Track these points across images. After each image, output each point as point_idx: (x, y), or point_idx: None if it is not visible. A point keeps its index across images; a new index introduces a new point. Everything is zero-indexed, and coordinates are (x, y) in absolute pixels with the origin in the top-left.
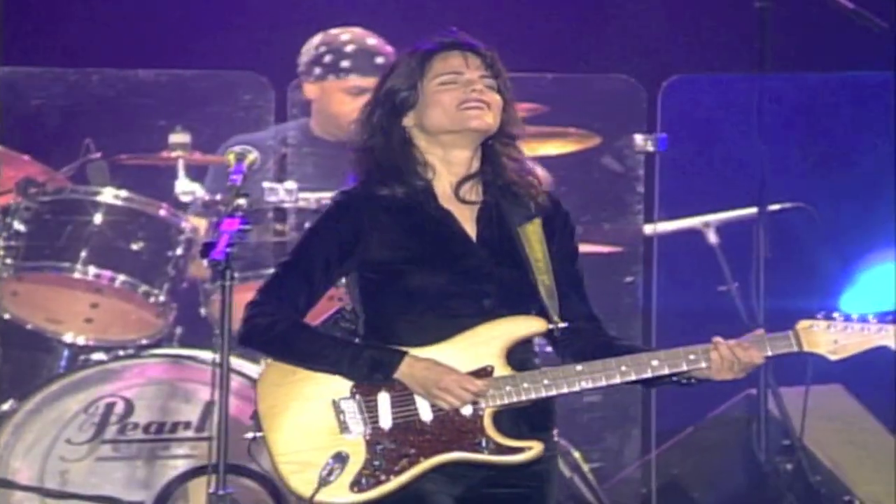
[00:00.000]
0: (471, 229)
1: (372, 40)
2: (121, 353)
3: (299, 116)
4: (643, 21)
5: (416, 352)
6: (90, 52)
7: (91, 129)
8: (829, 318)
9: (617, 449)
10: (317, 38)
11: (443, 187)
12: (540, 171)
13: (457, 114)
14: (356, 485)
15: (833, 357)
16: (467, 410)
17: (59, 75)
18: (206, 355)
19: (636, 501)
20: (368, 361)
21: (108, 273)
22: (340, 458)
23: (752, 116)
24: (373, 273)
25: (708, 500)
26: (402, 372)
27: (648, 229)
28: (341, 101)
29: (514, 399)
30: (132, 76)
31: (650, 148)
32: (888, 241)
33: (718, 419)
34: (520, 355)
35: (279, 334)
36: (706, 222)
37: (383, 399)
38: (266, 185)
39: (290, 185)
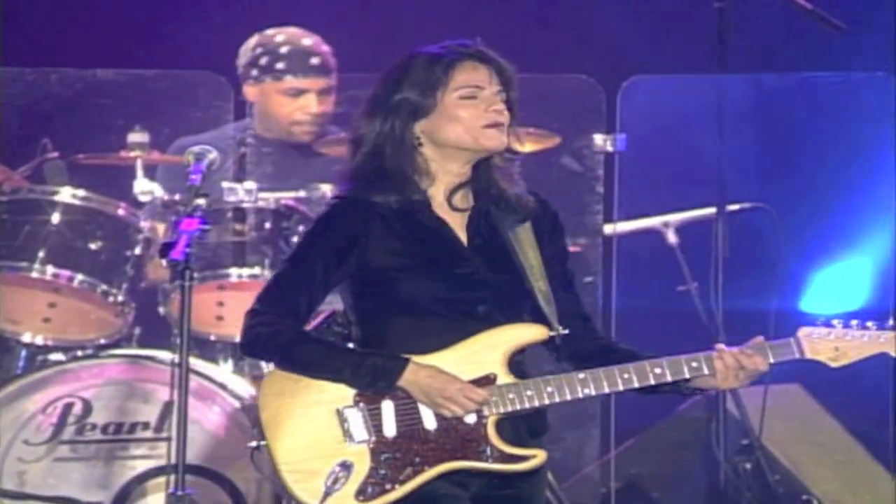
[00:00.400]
0: (463, 236)
1: (307, 40)
2: (79, 353)
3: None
4: (603, 21)
5: (417, 359)
6: (48, 52)
7: (49, 128)
8: (828, 325)
9: (576, 448)
10: (253, 40)
11: (437, 195)
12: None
13: (478, 132)
14: (361, 493)
15: (834, 364)
16: (471, 419)
17: (17, 75)
18: (165, 355)
19: (595, 501)
20: (371, 369)
21: (66, 273)
22: (345, 467)
23: (712, 117)
24: (367, 279)
25: (667, 500)
26: (406, 379)
27: (608, 229)
28: (279, 103)
29: (518, 407)
30: (90, 76)
31: (609, 148)
32: (847, 240)
33: (677, 418)
34: (519, 361)
35: (282, 343)
36: (665, 222)
37: (387, 407)
38: (225, 185)
39: (250, 185)
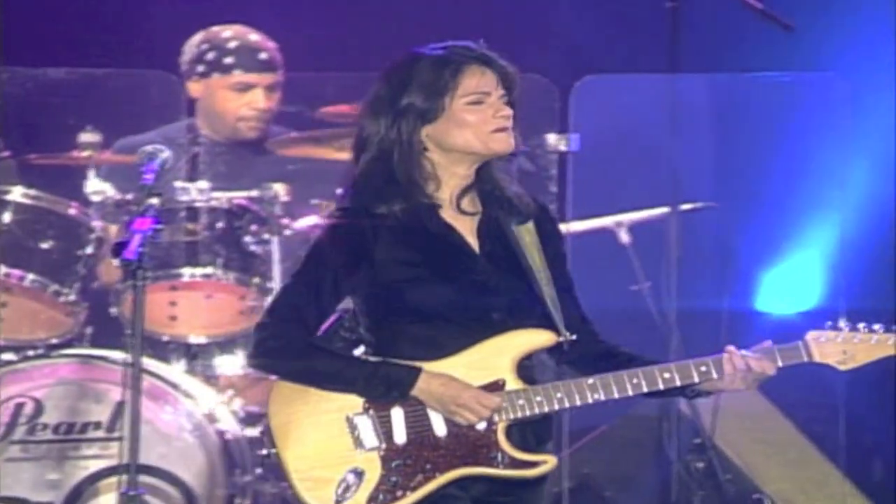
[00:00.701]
0: (473, 242)
1: (254, 36)
2: (30, 352)
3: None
4: (556, 20)
5: (428, 366)
6: None
7: None
8: (835, 328)
9: None
10: (198, 37)
11: (444, 199)
12: None
13: (487, 137)
14: (373, 500)
15: (843, 367)
16: (481, 425)
17: None
18: (117, 355)
19: (548, 500)
20: (384, 380)
21: (17, 272)
22: (356, 475)
23: (665, 116)
24: (378, 288)
25: (619, 499)
26: (419, 388)
27: (561, 229)
28: (226, 98)
29: (528, 413)
30: (41, 75)
31: (563, 147)
32: (798, 240)
33: (630, 418)
34: (526, 366)
35: (291, 356)
36: (619, 222)
37: (397, 414)
38: (178, 184)
39: (203, 184)
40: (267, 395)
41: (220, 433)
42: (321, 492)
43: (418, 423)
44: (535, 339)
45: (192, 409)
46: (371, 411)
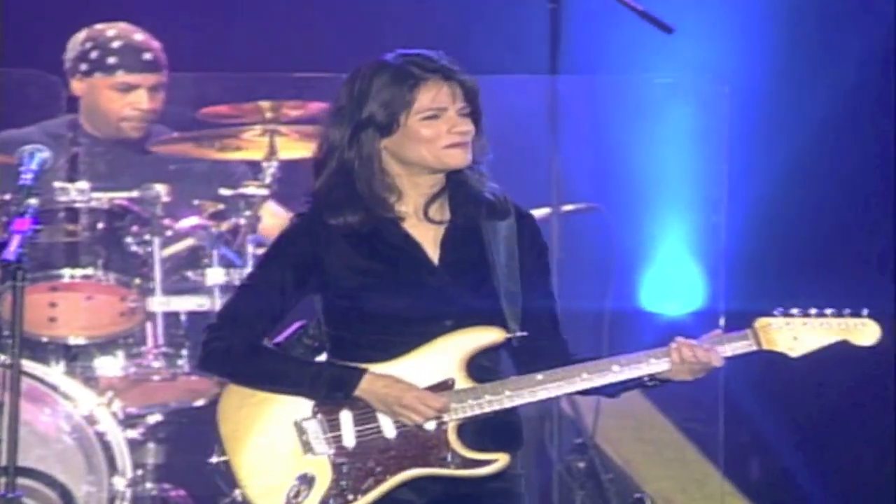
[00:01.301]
0: (434, 251)
1: (139, 35)
2: None
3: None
4: (438, 19)
5: (375, 367)
6: None
7: None
8: (787, 314)
9: None
10: (82, 34)
11: (408, 209)
12: None
13: (440, 152)
14: None
15: (793, 354)
16: (430, 425)
17: None
18: None
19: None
20: (328, 381)
21: None
22: (306, 480)
23: (545, 117)
24: (332, 295)
25: None
26: (363, 389)
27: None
28: (109, 98)
29: (478, 412)
30: None
31: None
32: (679, 241)
33: None
34: (483, 365)
35: (236, 358)
36: None
37: (346, 417)
38: (57, 184)
39: (83, 184)
40: (148, 397)
41: (100, 435)
42: (272, 498)
43: (367, 425)
44: (483, 336)
45: (71, 411)
46: (319, 415)
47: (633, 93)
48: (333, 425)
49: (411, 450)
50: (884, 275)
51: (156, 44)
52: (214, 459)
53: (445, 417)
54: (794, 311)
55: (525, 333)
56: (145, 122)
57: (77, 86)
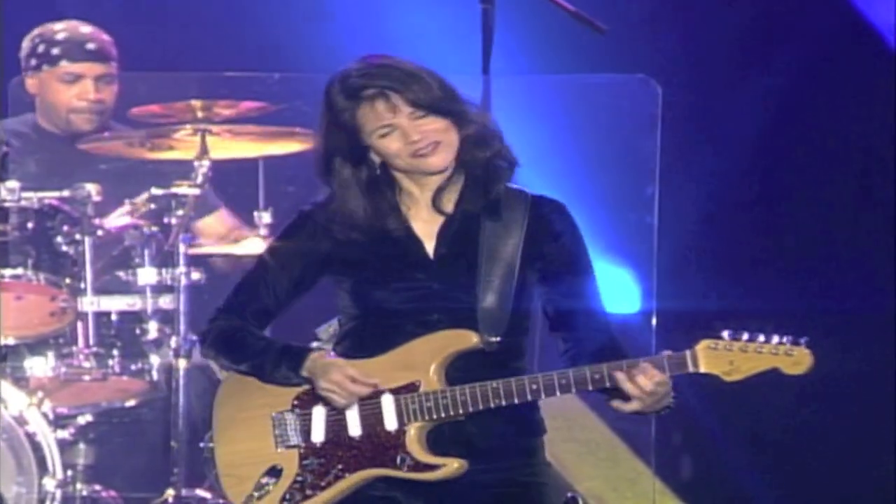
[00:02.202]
0: (431, 246)
1: (85, 28)
2: None
3: (20, 113)
4: (369, 21)
5: (347, 362)
6: None
7: None
8: (734, 337)
9: None
10: (34, 31)
11: (420, 202)
12: None
13: (412, 161)
14: (285, 500)
15: (727, 378)
16: (391, 426)
17: None
18: None
19: None
20: (282, 361)
21: None
22: (275, 473)
23: None
24: (337, 287)
25: None
26: (307, 368)
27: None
28: (56, 90)
29: (435, 416)
30: None
31: None
32: (610, 244)
33: None
34: (458, 368)
35: (224, 344)
36: None
37: (318, 413)
38: None
39: (13, 184)
40: (78, 397)
41: (30, 435)
42: (241, 488)
43: (337, 422)
44: (454, 340)
45: (0, 412)
46: (296, 409)
47: (564, 93)
48: (306, 420)
49: (371, 449)
50: (814, 271)
51: (105, 37)
52: (202, 445)
53: (406, 420)
54: (743, 334)
55: (498, 339)
56: (95, 113)
57: (30, 83)
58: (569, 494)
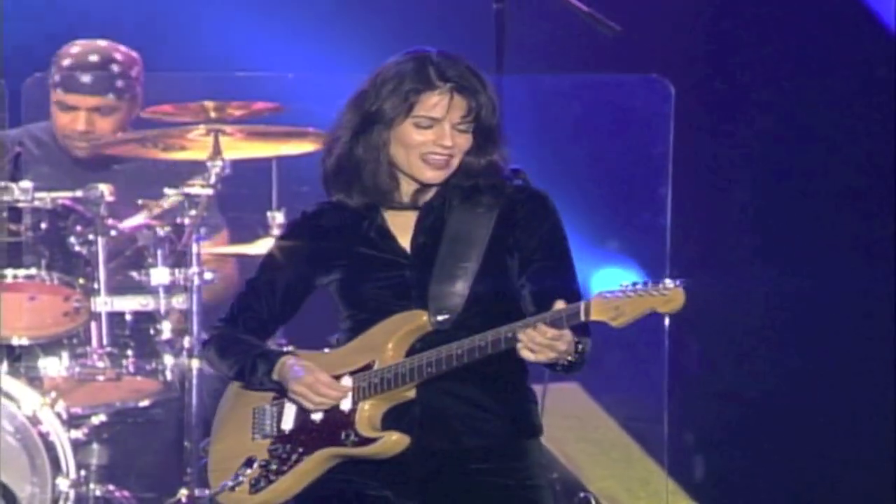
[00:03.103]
0: (406, 239)
1: (95, 57)
2: None
3: (34, 116)
4: (382, 20)
5: (312, 354)
6: None
7: None
8: (623, 287)
9: None
10: (64, 48)
11: (405, 196)
12: None
13: (416, 162)
14: (253, 487)
15: (614, 323)
16: (346, 406)
17: None
18: None
19: None
20: (257, 367)
21: None
22: (248, 464)
23: None
24: (330, 286)
25: None
26: (277, 372)
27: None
28: (55, 114)
29: (380, 390)
30: None
31: None
32: (623, 243)
33: None
34: (417, 350)
35: (218, 351)
36: None
37: (290, 403)
38: (0, 183)
39: (26, 184)
40: (92, 397)
41: (44, 435)
42: (219, 481)
43: (304, 410)
44: (405, 320)
45: (14, 412)
46: (274, 401)
47: (577, 93)
48: (279, 411)
49: (327, 430)
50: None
51: (115, 67)
52: (201, 445)
53: (353, 397)
54: (630, 283)
55: (446, 317)
56: (85, 142)
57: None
58: (581, 494)
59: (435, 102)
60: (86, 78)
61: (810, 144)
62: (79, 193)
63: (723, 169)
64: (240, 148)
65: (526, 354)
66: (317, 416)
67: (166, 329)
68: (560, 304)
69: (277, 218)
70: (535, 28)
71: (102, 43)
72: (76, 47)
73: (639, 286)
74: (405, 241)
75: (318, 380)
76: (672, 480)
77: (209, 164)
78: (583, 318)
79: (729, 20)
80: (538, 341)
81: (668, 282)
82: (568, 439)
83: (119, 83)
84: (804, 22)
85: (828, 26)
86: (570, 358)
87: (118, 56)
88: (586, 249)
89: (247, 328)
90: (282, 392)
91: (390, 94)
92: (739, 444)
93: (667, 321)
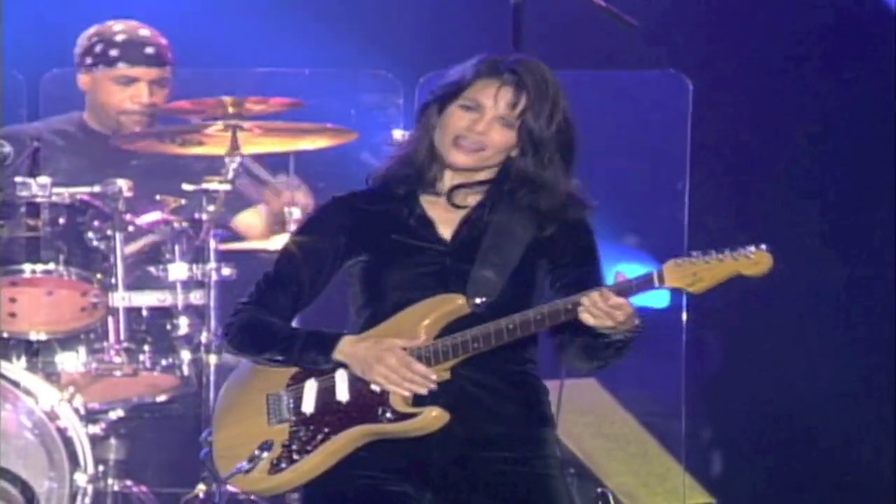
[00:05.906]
0: (449, 232)
1: (144, 31)
2: None
3: (52, 112)
4: (401, 17)
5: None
6: None
7: None
8: (695, 255)
9: None
10: (91, 30)
11: (442, 188)
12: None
13: (448, 145)
14: (273, 468)
15: (692, 289)
16: (378, 386)
17: None
18: None
19: None
20: (312, 346)
21: None
22: (264, 448)
23: None
24: (351, 271)
25: None
26: (343, 352)
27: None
28: (109, 91)
29: (433, 363)
30: None
31: None
32: (640, 238)
33: None
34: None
35: (245, 334)
36: None
37: (310, 386)
38: (18, 179)
39: (44, 179)
40: (109, 392)
41: (61, 430)
42: (232, 464)
43: (326, 392)
44: (441, 303)
45: (32, 407)
46: (290, 387)
47: (595, 89)
48: (298, 394)
49: (356, 410)
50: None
51: (162, 40)
52: (203, 435)
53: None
54: (698, 252)
55: (484, 299)
56: (145, 116)
57: (83, 80)
58: (598, 490)
59: (484, 86)
60: (149, 49)
61: (829, 139)
62: (97, 189)
63: (740, 164)
64: (257, 143)
65: (585, 318)
66: (343, 398)
67: (183, 324)
68: (622, 277)
69: (294, 214)
70: (552, 23)
71: (133, 21)
72: (117, 25)
73: (717, 252)
74: (445, 232)
75: (405, 360)
76: (689, 476)
77: (227, 159)
78: (656, 284)
79: (746, 15)
80: (599, 306)
81: (751, 247)
82: (585, 435)
83: (170, 55)
84: (823, 17)
85: (847, 22)
86: (627, 332)
87: (155, 31)
88: (604, 244)
89: (273, 311)
90: (331, 371)
91: (453, 83)
92: (756, 439)
93: (684, 316)
